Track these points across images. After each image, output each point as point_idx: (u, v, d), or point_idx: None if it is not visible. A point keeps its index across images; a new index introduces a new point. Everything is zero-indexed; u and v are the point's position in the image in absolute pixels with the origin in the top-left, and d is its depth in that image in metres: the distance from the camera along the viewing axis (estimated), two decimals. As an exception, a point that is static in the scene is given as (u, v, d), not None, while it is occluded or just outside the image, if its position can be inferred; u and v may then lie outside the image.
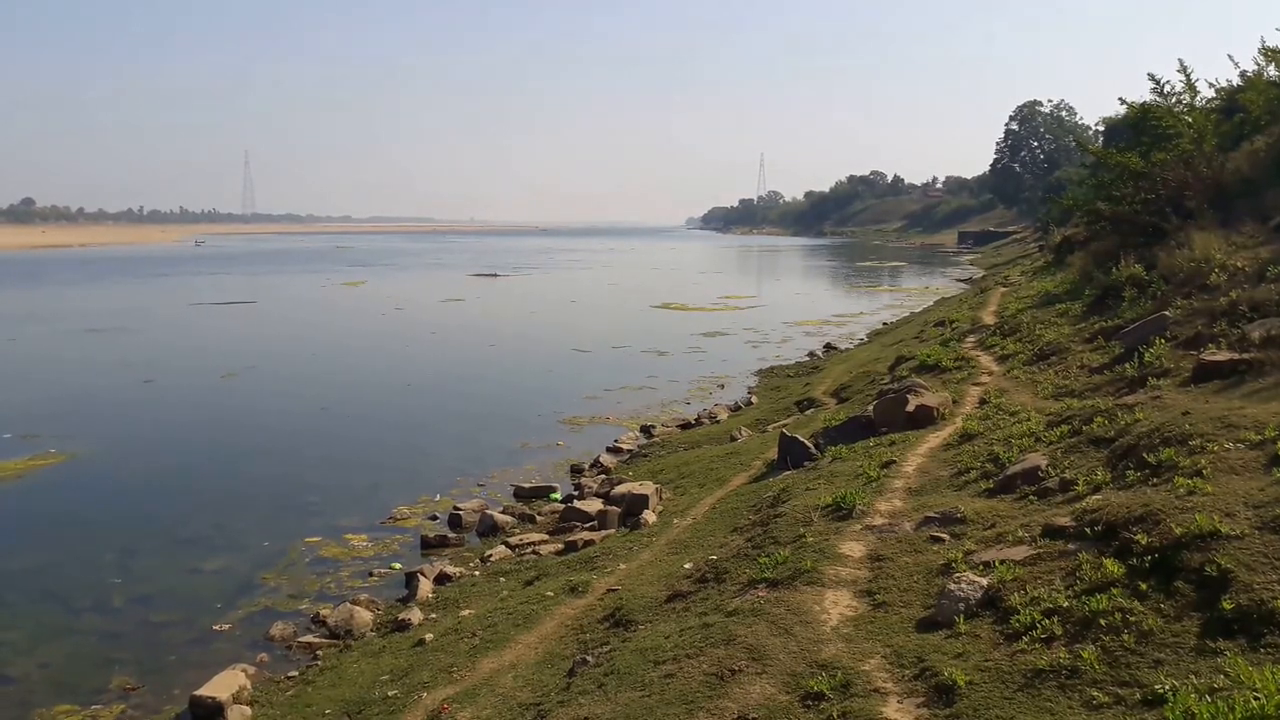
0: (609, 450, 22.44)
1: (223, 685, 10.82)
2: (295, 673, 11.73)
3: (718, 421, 24.41)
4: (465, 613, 12.36)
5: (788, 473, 14.71)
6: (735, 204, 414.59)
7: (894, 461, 12.83)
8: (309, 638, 12.81)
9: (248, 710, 10.58)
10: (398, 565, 15.55)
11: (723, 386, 31.20)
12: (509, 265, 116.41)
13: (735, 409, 26.37)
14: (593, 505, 16.90)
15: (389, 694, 9.97)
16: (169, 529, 17.43)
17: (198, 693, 10.68)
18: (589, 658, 9.22)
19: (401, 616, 12.75)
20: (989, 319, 27.08)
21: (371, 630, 12.90)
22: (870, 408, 16.53)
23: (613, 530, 15.36)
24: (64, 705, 11.10)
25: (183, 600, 14.23)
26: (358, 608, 13.37)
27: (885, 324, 46.11)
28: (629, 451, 22.35)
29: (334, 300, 68.76)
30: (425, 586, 13.99)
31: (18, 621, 13.42)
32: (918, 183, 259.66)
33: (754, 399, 27.54)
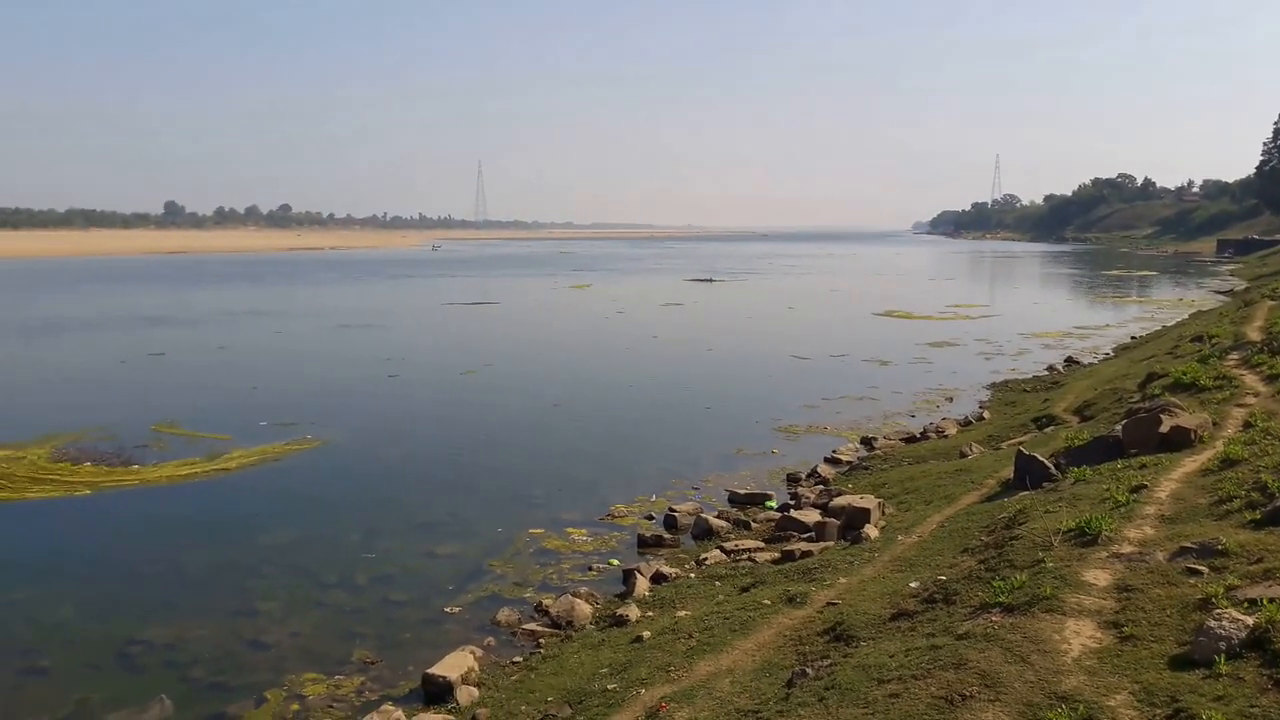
0: (827, 461, 22.06)
1: (453, 665, 11.34)
2: (519, 658, 12.15)
3: (945, 436, 23.53)
4: (681, 613, 12.43)
5: (1025, 493, 13.99)
6: (967, 207, 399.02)
7: (1145, 486, 11.94)
8: (532, 625, 13.24)
9: (475, 691, 11.03)
10: (615, 561, 15.85)
11: (951, 399, 30.09)
12: (726, 270, 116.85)
13: (965, 424, 25.36)
14: (810, 516, 16.65)
15: (608, 687, 10.15)
16: (408, 513, 18.47)
17: (430, 671, 11.24)
18: (808, 670, 9.05)
19: (619, 612, 12.98)
20: (1255, 335, 24.88)
21: (590, 623, 13.20)
22: (1118, 427, 15.48)
23: (831, 543, 15.07)
24: (311, 673, 11.92)
25: (418, 581, 15.02)
26: (578, 600, 13.71)
27: (1134, 338, 43.28)
28: (848, 463, 21.90)
29: (563, 302, 71.17)
30: (642, 584, 14.20)
31: (274, 592, 14.54)
32: (1170, 186, 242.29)
33: (986, 414, 26.39)
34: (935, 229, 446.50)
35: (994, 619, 8.72)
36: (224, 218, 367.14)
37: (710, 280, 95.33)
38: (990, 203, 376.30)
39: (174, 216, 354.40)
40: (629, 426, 26.50)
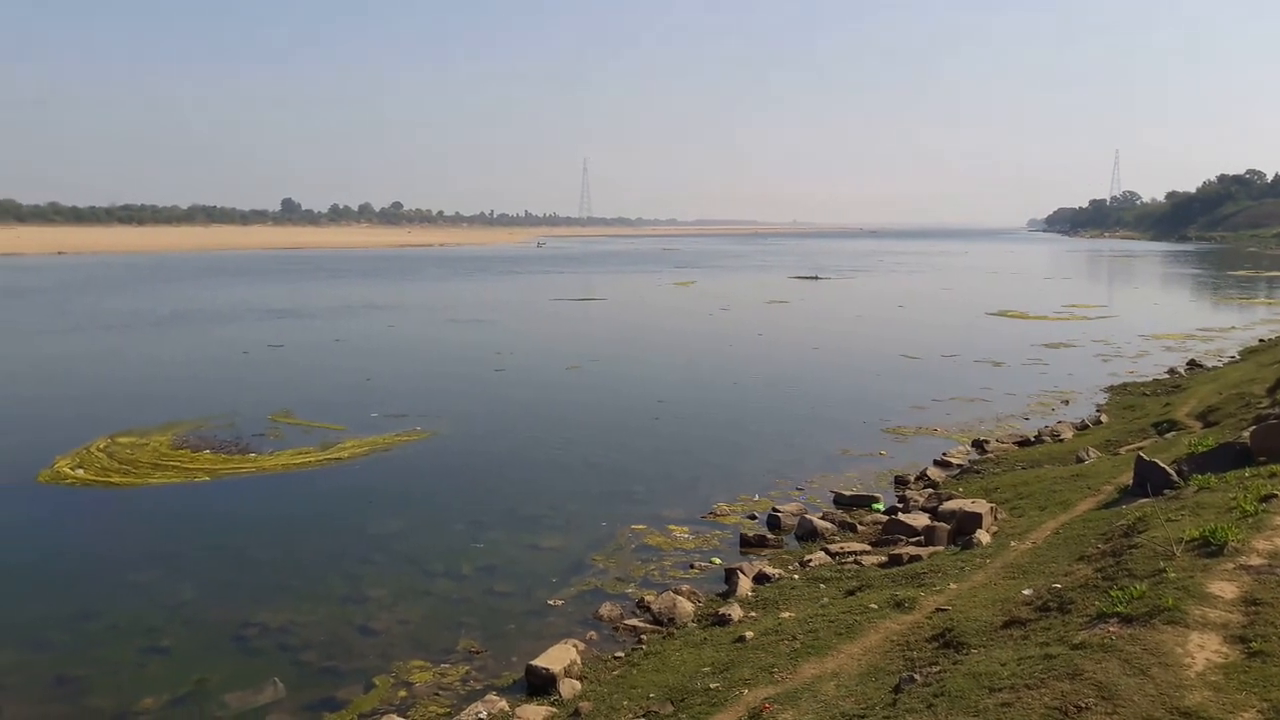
0: (937, 463, 21.55)
1: (556, 658, 11.42)
2: (621, 653, 12.17)
3: (1061, 440, 22.75)
4: (785, 615, 12.28)
5: (1144, 500, 13.40)
6: (1084, 205, 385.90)
7: (1275, 495, 11.31)
8: (634, 621, 13.25)
9: (578, 685, 11.08)
10: (718, 560, 15.75)
11: (1067, 402, 29.12)
12: (833, 268, 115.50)
13: (1081, 428, 24.48)
14: (919, 520, 16.29)
15: (710, 686, 10.08)
16: (512, 506, 18.70)
17: (534, 663, 11.34)
18: (916, 676, 8.83)
19: (722, 611, 12.89)
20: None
21: (692, 621, 13.14)
22: (1245, 434, 14.73)
23: (940, 547, 14.71)
24: (418, 660, 12.14)
25: (522, 573, 15.17)
26: (680, 598, 13.67)
27: (1262, 340, 41.26)
28: (959, 466, 21.36)
29: (667, 299, 71.27)
30: (745, 584, 14.08)
31: (383, 580, 14.87)
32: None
33: (1104, 418, 25.42)
34: (1051, 227, 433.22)
35: (1112, 629, 8.37)
36: (338, 215, 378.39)
37: (816, 278, 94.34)
38: (1109, 200, 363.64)
39: (290, 213, 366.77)
40: (732, 425, 26.33)
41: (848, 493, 19.36)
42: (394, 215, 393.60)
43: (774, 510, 17.96)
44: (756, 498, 19.25)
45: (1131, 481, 14.71)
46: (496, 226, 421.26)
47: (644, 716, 9.67)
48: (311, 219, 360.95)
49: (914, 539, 15.51)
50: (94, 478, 20.20)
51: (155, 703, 11.06)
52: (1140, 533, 11.05)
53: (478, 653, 12.37)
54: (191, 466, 21.10)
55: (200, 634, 12.99)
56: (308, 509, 18.69)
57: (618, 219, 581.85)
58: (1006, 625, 9.69)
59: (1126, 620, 8.47)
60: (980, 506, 15.43)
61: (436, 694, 11.27)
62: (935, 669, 8.94)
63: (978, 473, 20.51)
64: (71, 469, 20.69)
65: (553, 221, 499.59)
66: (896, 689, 8.72)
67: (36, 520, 18.00)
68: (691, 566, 15.56)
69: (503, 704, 10.70)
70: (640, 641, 12.60)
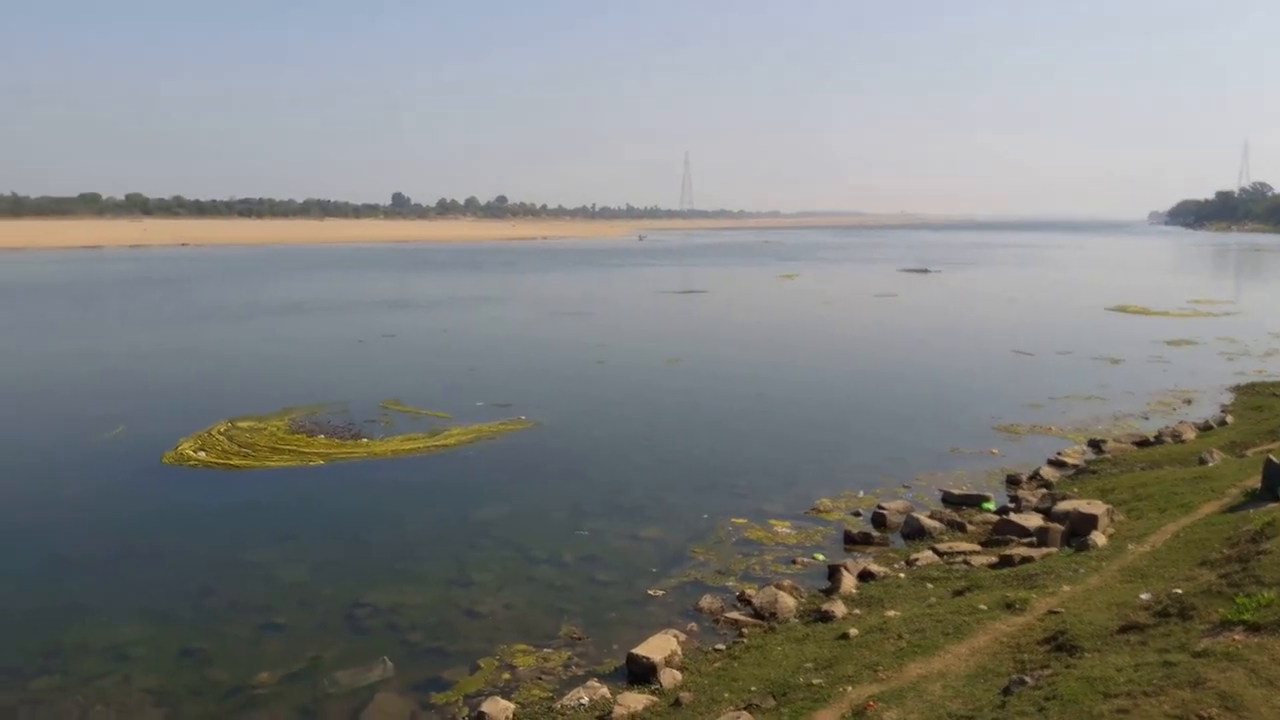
0: (1050, 463, 20.91)
1: (657, 647, 11.45)
2: (722, 646, 12.13)
3: (1183, 441, 21.84)
4: (890, 613, 12.07)
5: (1274, 505, 12.78)
6: (1209, 197, 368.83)
7: None
8: (735, 614, 13.19)
9: (678, 675, 11.09)
10: (821, 556, 15.57)
11: (1189, 402, 27.95)
12: (942, 260, 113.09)
13: (1205, 428, 23.45)
14: (1031, 520, 15.83)
15: (813, 682, 9.97)
16: (613, 496, 18.81)
17: (635, 651, 11.39)
18: (1027, 679, 8.60)
19: (824, 608, 12.74)
20: None
21: (794, 616, 13.02)
22: (1387, 438, 13.89)
23: (1054, 549, 14.27)
24: (521, 644, 12.31)
25: (622, 562, 15.25)
26: (782, 592, 13.56)
27: (1404, 341, 38.90)
28: (1074, 466, 20.67)
29: (771, 292, 70.82)
30: (849, 581, 13.89)
31: (487, 565, 15.12)
32: None
33: (1229, 418, 24.32)
34: (1173, 220, 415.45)
35: (1236, 638, 8.01)
36: (445, 208, 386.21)
37: (925, 271, 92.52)
38: (1237, 191, 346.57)
39: (400, 207, 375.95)
40: (837, 420, 26.01)
41: (957, 491, 18.93)
42: (498, 209, 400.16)
43: (879, 507, 17.67)
44: (861, 494, 18.97)
45: (1259, 485, 14.05)
46: (598, 219, 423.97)
47: (745, 709, 9.62)
48: (420, 212, 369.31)
49: (1026, 540, 15.09)
50: (215, 460, 21.03)
51: (271, 677, 11.45)
52: (1269, 538, 10.54)
53: (579, 639, 12.48)
54: (307, 450, 21.79)
55: (313, 613, 13.40)
56: (416, 494, 19.11)
57: (719, 211, 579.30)
58: (1123, 630, 9.36)
59: (1253, 629, 8.12)
60: (1096, 508, 14.94)
61: (539, 678, 11.42)
62: (1047, 672, 8.69)
63: (1094, 473, 19.83)
64: (194, 451, 21.57)
65: (654, 214, 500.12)
66: (1006, 691, 8.51)
67: (161, 500, 18.81)
68: (793, 562, 15.41)
69: (604, 691, 10.78)
70: (741, 635, 12.54)
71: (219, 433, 23.07)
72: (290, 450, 21.78)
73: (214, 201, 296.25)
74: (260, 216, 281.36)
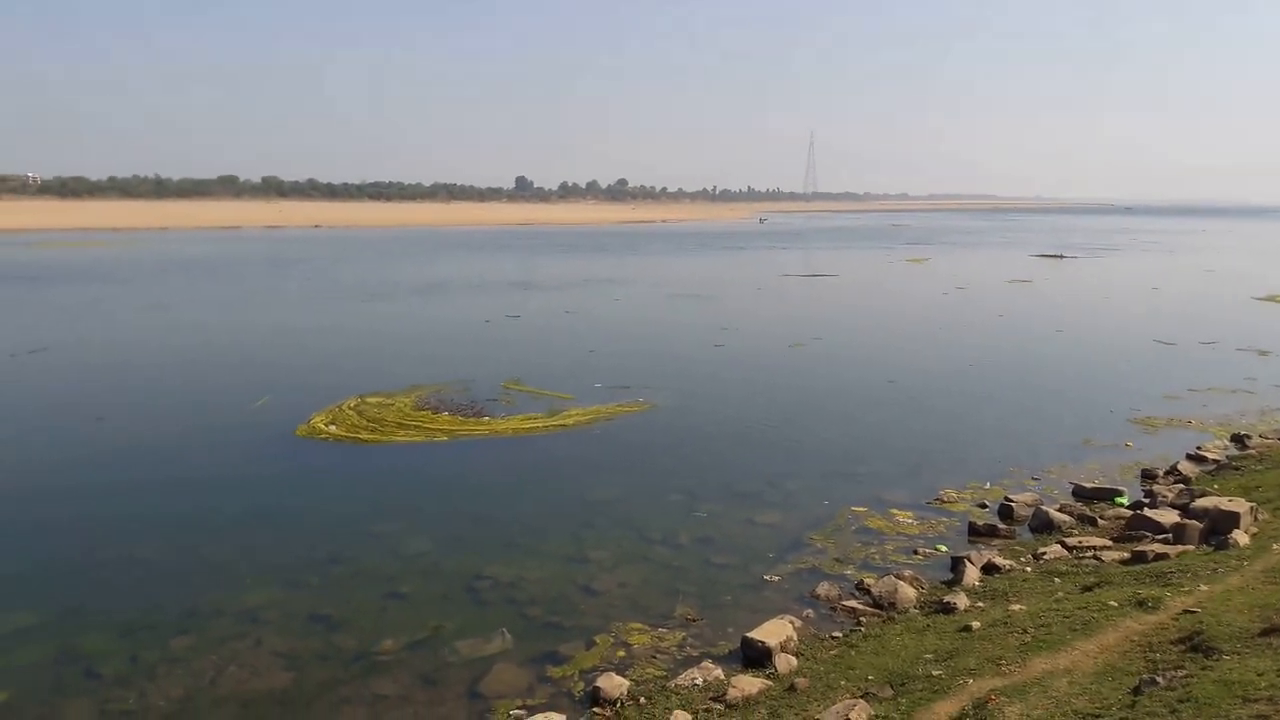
0: (1189, 458, 19.96)
1: (772, 632, 11.38)
2: (839, 633, 11.99)
3: (1336, 437, 20.57)
4: (1015, 607, 11.72)
5: None
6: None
7: None
8: (853, 602, 13.01)
9: (793, 660, 10.99)
10: (943, 547, 15.22)
11: (1344, 397, 26.28)
12: (1078, 246, 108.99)
13: (1361, 425, 22.03)
14: (1167, 516, 15.15)
15: (932, 673, 9.76)
16: (730, 480, 18.74)
17: (750, 635, 11.35)
18: (1159, 679, 8.24)
19: (946, 599, 12.46)
20: None
21: (914, 607, 12.76)
22: None
23: (1190, 546, 13.63)
24: (636, 623, 12.40)
25: (738, 547, 15.19)
26: (902, 582, 13.30)
27: None
28: (1215, 462, 19.71)
29: (899, 277, 69.45)
30: (972, 573, 13.55)
31: (603, 543, 15.26)
32: None
33: (1388, 415, 22.79)
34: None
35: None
36: (567, 192, 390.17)
37: (1061, 256, 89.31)
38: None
39: (523, 190, 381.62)
40: (966, 409, 25.34)
41: (1088, 485, 18.24)
42: (619, 192, 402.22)
43: (1006, 499, 17.17)
44: (988, 485, 18.45)
45: None
46: (718, 203, 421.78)
47: (862, 698, 9.47)
48: (542, 196, 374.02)
49: (1161, 536, 14.44)
50: (345, 434, 21.76)
51: (395, 644, 11.81)
52: None
53: (694, 621, 12.49)
54: (431, 427, 22.36)
55: (435, 583, 13.76)
56: (535, 472, 19.42)
57: (844, 193, 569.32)
58: (1265, 633, 8.88)
59: None
60: (1238, 505, 14.20)
61: (654, 657, 11.48)
62: (1181, 673, 8.31)
63: (1236, 469, 18.85)
64: (325, 425, 22.37)
65: (776, 197, 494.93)
66: (1136, 691, 8.17)
67: (293, 472, 19.58)
68: (915, 552, 15.10)
69: (718, 672, 10.77)
70: (859, 623, 12.36)
71: (349, 408, 23.86)
72: (415, 426, 22.38)
73: (345, 185, 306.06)
74: (389, 200, 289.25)
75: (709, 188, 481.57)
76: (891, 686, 9.77)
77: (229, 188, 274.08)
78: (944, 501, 17.49)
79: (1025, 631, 10.52)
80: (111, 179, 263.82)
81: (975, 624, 11.17)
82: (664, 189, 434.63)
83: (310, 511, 17.05)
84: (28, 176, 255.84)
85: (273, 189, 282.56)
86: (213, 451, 20.82)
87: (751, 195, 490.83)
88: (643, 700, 10.35)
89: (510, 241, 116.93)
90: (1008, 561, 14.21)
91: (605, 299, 51.72)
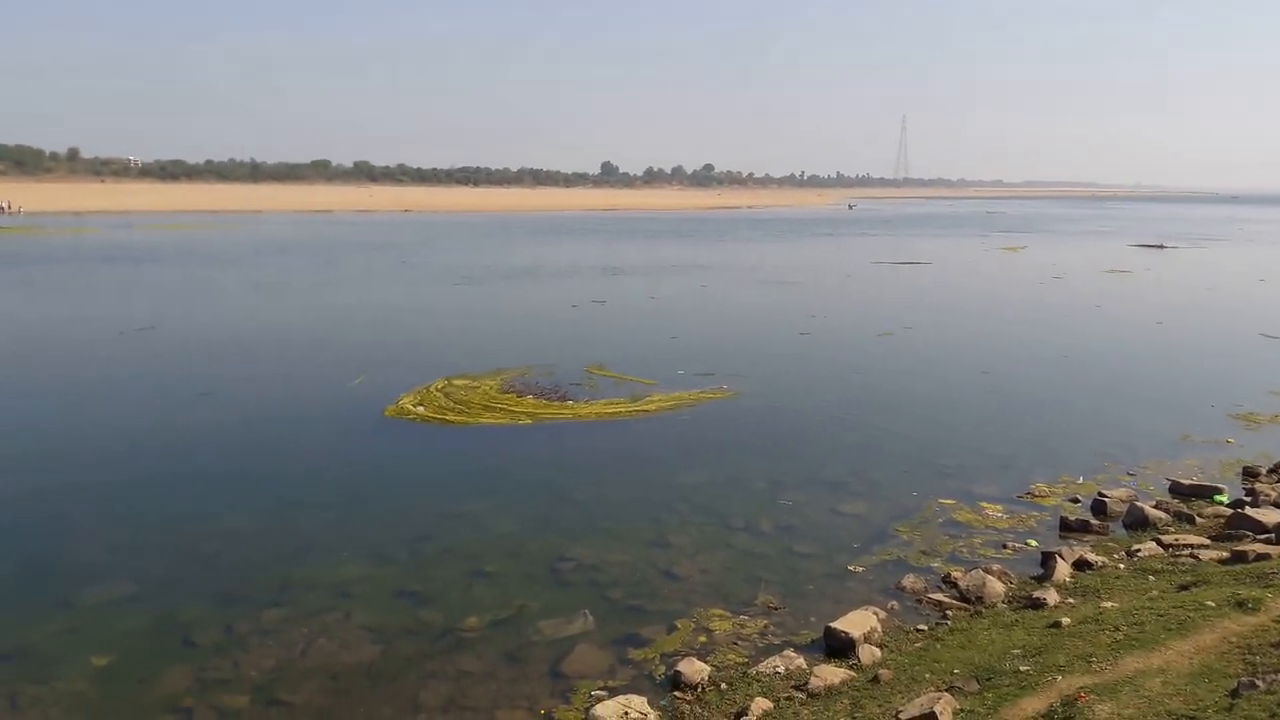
0: (1296, 454, 19.18)
1: (856, 622, 11.28)
2: (924, 626, 11.82)
3: None
4: (1107, 604, 11.42)
5: None
6: None
7: None
8: (939, 595, 12.82)
9: (877, 652, 10.88)
10: (1034, 542, 14.89)
11: None
12: (1180, 235, 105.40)
13: None
14: (1270, 516, 14.62)
15: (1020, 669, 9.56)
16: (814, 469, 18.59)
17: (833, 625, 11.26)
18: (1258, 682, 7.95)
19: (1036, 595, 12.19)
20: None
21: (1002, 602, 12.53)
22: None
23: (1297, 546, 13.09)
24: (717, 609, 12.39)
25: (822, 536, 15.08)
26: (990, 577, 13.06)
27: None
28: (1323, 459, 18.89)
29: (994, 265, 68.11)
30: (1063, 569, 13.24)
31: (685, 529, 15.29)
32: None
33: None
34: None
35: None
36: (652, 177, 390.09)
37: (1162, 246, 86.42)
38: None
39: (608, 176, 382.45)
40: (1060, 401, 24.69)
41: (1186, 481, 17.64)
42: (704, 178, 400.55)
43: (1100, 494, 16.72)
44: (1081, 480, 17.98)
45: None
46: (806, 188, 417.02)
47: (948, 691, 9.33)
48: (627, 182, 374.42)
49: (1263, 536, 13.93)
50: (432, 415, 22.14)
51: (479, 622, 12.01)
52: None
53: (776, 609, 12.44)
54: (516, 409, 22.62)
55: (519, 563, 13.93)
56: (617, 456, 19.52)
57: (937, 180, 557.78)
58: (1378, 641, 8.49)
59: None
60: (1350, 506, 13.59)
61: (735, 643, 11.47)
62: (1283, 678, 7.99)
63: (1348, 469, 18.05)
64: (413, 406, 22.80)
65: (865, 183, 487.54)
66: (1234, 693, 7.90)
67: (382, 451, 19.99)
68: (1004, 546, 14.80)
69: (800, 661, 10.72)
70: (945, 617, 12.18)
71: (436, 389, 24.27)
72: (500, 409, 22.66)
73: (434, 170, 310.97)
74: (477, 185, 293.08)
75: (796, 173, 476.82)
76: (978, 681, 9.60)
77: (321, 172, 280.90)
78: (1035, 496, 17.11)
79: (1117, 629, 10.23)
80: (209, 162, 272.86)
81: (1065, 620, 10.91)
82: (750, 174, 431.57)
83: (399, 490, 17.41)
84: (129, 160, 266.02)
85: (363, 173, 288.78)
86: (306, 429, 21.45)
87: (840, 181, 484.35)
88: (723, 686, 10.36)
89: (594, 227, 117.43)
90: (1100, 558, 13.84)
91: (691, 285, 51.66)
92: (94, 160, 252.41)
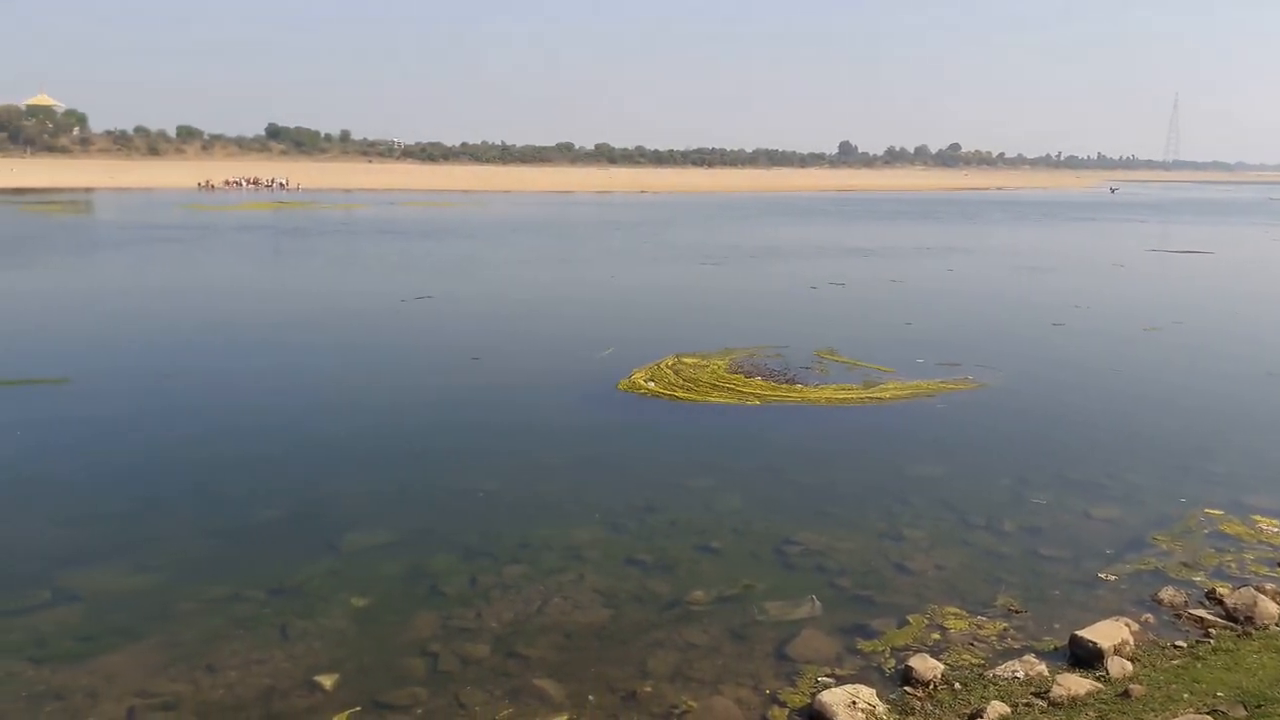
0: None
1: (1105, 633, 10.49)
2: (1183, 643, 10.85)
3: None
4: None
5: None
6: None
7: None
8: (1201, 612, 11.73)
9: (1129, 665, 10.08)
10: (1316, 562, 13.38)
11: None
12: None
13: None
14: None
15: (1300, 701, 8.59)
16: (1063, 469, 17.43)
17: (1080, 633, 10.51)
18: None
19: (1318, 620, 10.94)
20: None
21: (1276, 624, 11.33)
22: None
23: None
24: (952, 607, 11.83)
25: (1069, 540, 14.12)
26: (1262, 596, 11.84)
27: None
28: None
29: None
30: (1352, 594, 11.81)
31: (919, 522, 14.69)
32: None
33: None
34: None
35: None
36: (893, 157, 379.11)
37: None
38: None
39: (846, 156, 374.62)
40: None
41: None
42: (950, 158, 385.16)
43: None
44: (1382, 494, 16.05)
45: None
46: (1062, 169, 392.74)
47: (1209, 714, 8.50)
48: (866, 161, 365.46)
49: None
50: (662, 390, 22.38)
51: (705, 596, 12.01)
52: None
53: (1017, 612, 11.75)
54: (744, 390, 22.50)
55: (745, 542, 13.84)
56: (847, 443, 19.06)
57: (1213, 163, 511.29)
58: None
59: None
60: None
61: (971, 644, 10.91)
62: None
63: None
64: (645, 381, 23.12)
65: (1130, 165, 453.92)
66: None
67: (616, 422, 20.41)
68: (1279, 564, 13.39)
69: (1041, 668, 10.07)
70: (1207, 634, 11.13)
71: (667, 366, 24.50)
72: (728, 388, 22.61)
73: (671, 151, 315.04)
74: (712, 166, 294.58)
75: (1052, 153, 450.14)
76: (1245, 707, 8.71)
77: (565, 154, 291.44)
78: (1319, 511, 15.38)
79: None
80: (464, 145, 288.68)
81: (1356, 653, 9.72)
82: (1000, 154, 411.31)
83: (630, 461, 17.73)
84: (394, 142, 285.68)
85: (604, 155, 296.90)
86: (549, 397, 22.33)
87: (1102, 163, 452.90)
88: (957, 686, 9.87)
89: (832, 208, 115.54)
90: (1399, 586, 12.27)
91: (937, 268, 49.89)
92: (363, 141, 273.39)
